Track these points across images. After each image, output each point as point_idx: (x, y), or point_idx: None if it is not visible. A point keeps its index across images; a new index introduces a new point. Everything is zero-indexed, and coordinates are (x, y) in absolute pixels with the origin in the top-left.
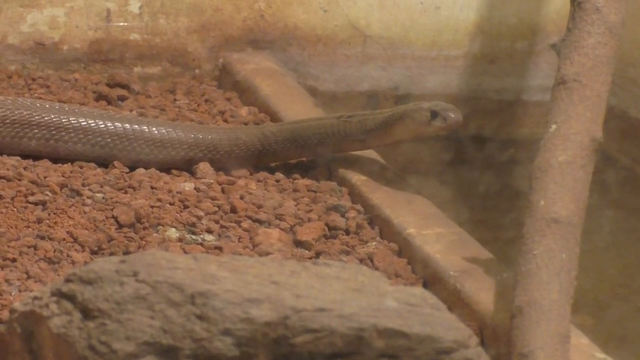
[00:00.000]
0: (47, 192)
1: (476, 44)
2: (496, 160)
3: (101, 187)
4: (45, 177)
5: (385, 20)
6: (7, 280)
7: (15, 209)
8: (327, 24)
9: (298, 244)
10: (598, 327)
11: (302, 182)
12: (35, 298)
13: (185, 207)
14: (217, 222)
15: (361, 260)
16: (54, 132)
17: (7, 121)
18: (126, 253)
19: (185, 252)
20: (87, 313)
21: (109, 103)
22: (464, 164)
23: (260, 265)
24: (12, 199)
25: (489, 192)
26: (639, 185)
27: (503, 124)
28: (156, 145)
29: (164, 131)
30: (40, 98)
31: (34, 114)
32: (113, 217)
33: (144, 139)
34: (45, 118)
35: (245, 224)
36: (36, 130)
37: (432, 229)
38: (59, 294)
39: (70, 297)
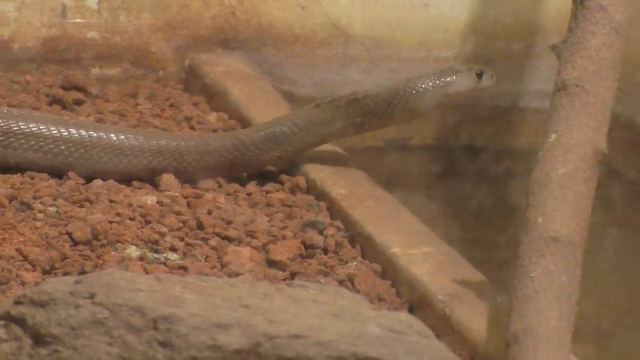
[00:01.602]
0: None
1: (469, 44)
2: (490, 173)
3: (54, 200)
4: None
5: (369, 19)
6: None
7: None
8: (306, 23)
9: (271, 264)
10: (601, 358)
11: (277, 195)
12: None
13: (147, 222)
14: (182, 239)
15: (341, 283)
16: (2, 138)
17: None
18: (82, 273)
19: (147, 272)
20: (39, 339)
21: (64, 108)
22: (455, 176)
23: (230, 288)
24: None
25: (482, 208)
26: None
27: (498, 133)
28: (115, 153)
29: (123, 138)
30: None
31: None
32: (67, 233)
33: (102, 147)
34: None
35: (214, 241)
36: None
37: (419, 249)
38: (8, 318)
39: (20, 322)
